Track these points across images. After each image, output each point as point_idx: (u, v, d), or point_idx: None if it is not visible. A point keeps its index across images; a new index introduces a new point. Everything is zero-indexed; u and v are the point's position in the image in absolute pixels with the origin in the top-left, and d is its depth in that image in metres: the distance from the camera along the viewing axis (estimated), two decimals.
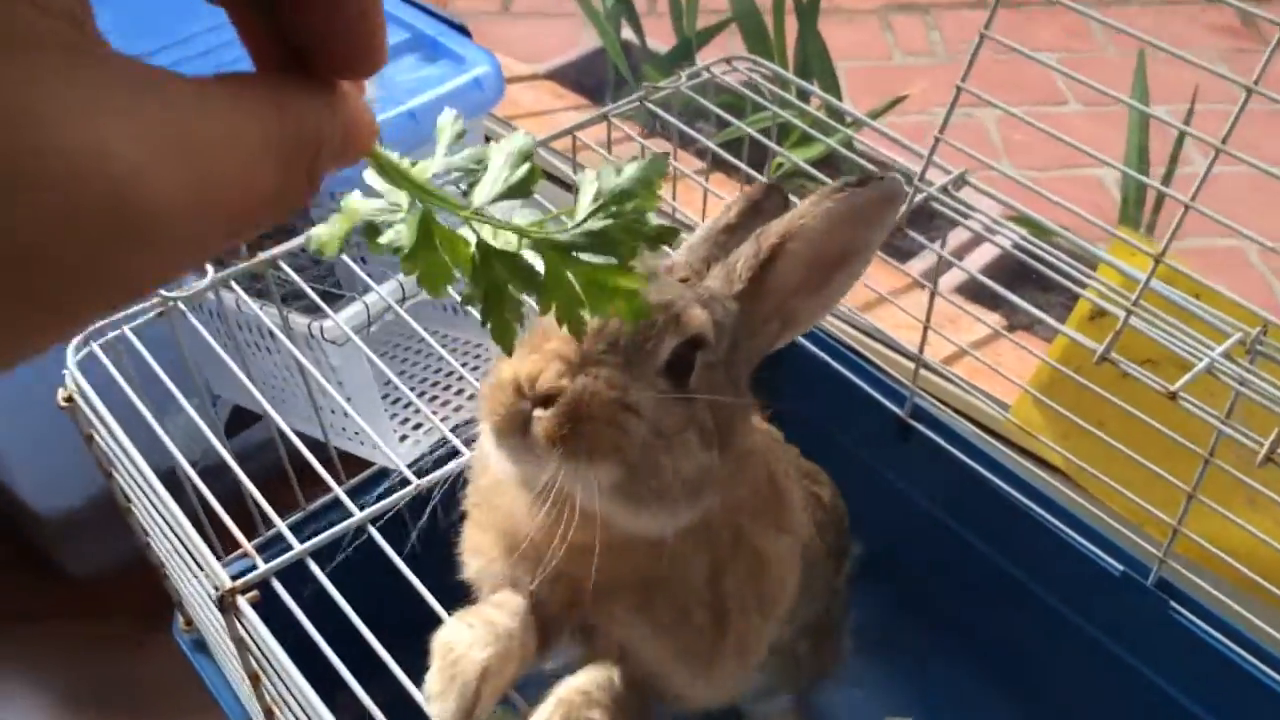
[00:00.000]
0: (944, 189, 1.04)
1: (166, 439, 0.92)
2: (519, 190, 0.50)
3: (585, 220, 0.50)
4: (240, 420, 1.51)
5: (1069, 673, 1.27)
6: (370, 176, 0.48)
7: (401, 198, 0.48)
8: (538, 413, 0.72)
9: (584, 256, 0.49)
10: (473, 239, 0.48)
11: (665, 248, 0.55)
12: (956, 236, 2.20)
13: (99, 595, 1.54)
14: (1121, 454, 1.09)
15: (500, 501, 0.86)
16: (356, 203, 0.49)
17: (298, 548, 0.85)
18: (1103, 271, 1.14)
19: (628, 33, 2.49)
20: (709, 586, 0.84)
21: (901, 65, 2.80)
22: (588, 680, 0.83)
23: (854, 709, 1.37)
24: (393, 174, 0.46)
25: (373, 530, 0.87)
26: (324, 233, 0.50)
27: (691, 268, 0.87)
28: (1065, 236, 1.29)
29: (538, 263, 0.48)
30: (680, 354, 0.75)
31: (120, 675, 1.49)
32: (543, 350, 0.73)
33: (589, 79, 2.66)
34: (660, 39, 2.56)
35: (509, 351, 0.56)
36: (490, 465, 0.82)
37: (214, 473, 0.96)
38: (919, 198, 1.04)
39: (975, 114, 2.56)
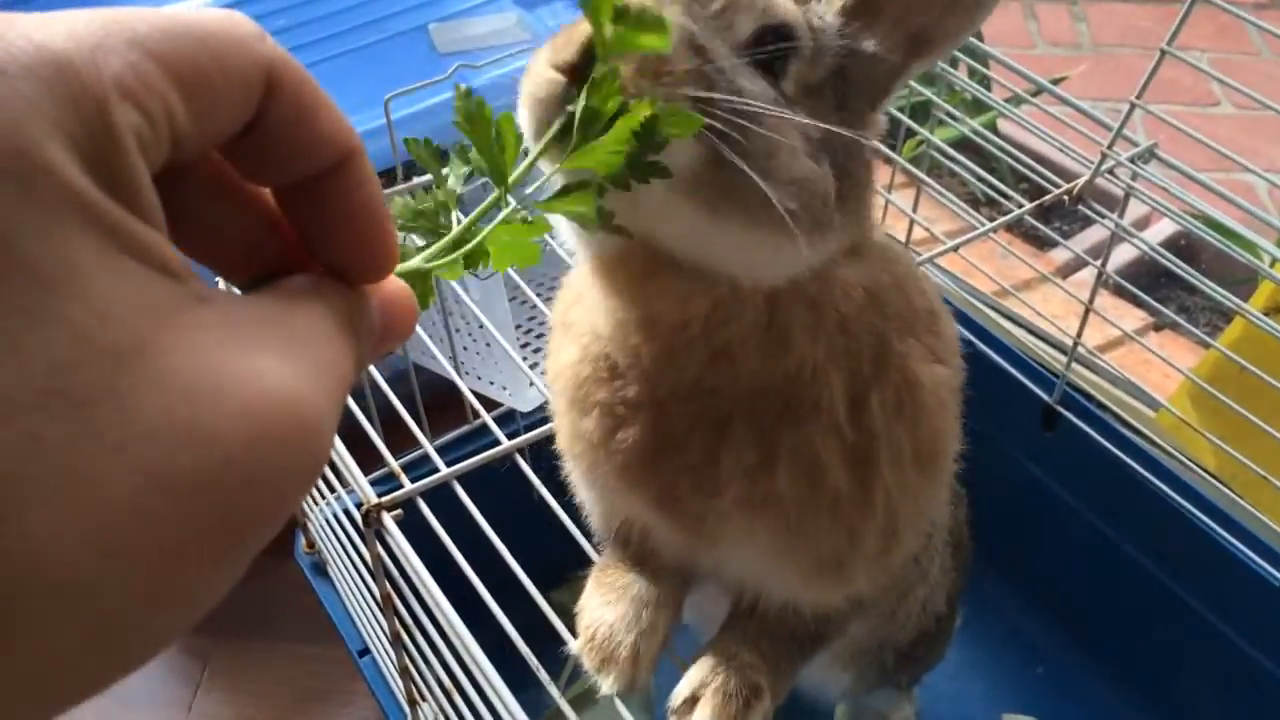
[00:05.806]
0: (1132, 160, 0.97)
1: None
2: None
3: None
4: None
5: (1205, 680, 1.21)
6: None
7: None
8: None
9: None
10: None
11: None
12: (1096, 234, 2.11)
13: None
14: None
15: (577, 315, 0.73)
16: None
17: (444, 470, 0.83)
18: None
19: None
20: (849, 416, 0.67)
21: (1044, 55, 2.71)
22: (728, 641, 0.79)
23: (973, 704, 1.31)
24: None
25: (519, 459, 0.85)
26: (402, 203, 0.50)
27: None
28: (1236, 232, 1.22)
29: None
30: (764, 41, 0.58)
31: (237, 598, 1.51)
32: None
33: None
34: None
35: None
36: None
37: None
38: (1106, 165, 0.98)
39: (1119, 110, 2.47)
